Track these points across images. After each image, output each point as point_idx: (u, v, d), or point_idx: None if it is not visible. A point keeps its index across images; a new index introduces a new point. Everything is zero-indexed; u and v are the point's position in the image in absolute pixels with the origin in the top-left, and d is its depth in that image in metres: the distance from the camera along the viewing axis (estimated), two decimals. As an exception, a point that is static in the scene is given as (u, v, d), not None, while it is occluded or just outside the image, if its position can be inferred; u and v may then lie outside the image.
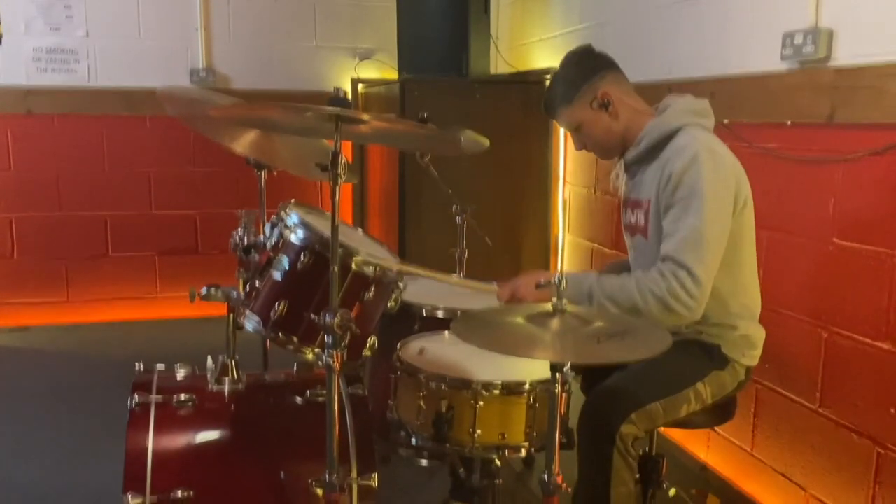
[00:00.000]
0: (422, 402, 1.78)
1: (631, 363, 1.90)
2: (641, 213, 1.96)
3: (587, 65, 1.96)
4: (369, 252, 1.84)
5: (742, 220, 1.88)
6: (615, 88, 1.94)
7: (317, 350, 1.78)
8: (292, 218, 1.83)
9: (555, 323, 1.56)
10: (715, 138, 1.90)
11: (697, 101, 1.95)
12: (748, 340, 1.94)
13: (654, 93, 2.11)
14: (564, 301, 1.50)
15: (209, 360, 2.00)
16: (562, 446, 1.64)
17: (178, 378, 1.95)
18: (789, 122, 2.31)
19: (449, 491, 2.11)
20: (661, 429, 2.08)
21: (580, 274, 1.93)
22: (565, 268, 3.96)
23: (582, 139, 2.00)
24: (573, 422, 1.85)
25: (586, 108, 1.93)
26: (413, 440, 1.83)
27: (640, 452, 2.08)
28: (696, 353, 1.90)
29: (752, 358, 1.96)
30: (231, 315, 1.91)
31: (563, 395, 1.75)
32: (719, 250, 1.79)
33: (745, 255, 1.93)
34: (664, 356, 1.53)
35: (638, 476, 2.08)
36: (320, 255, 1.77)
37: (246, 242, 1.95)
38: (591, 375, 2.12)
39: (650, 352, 1.47)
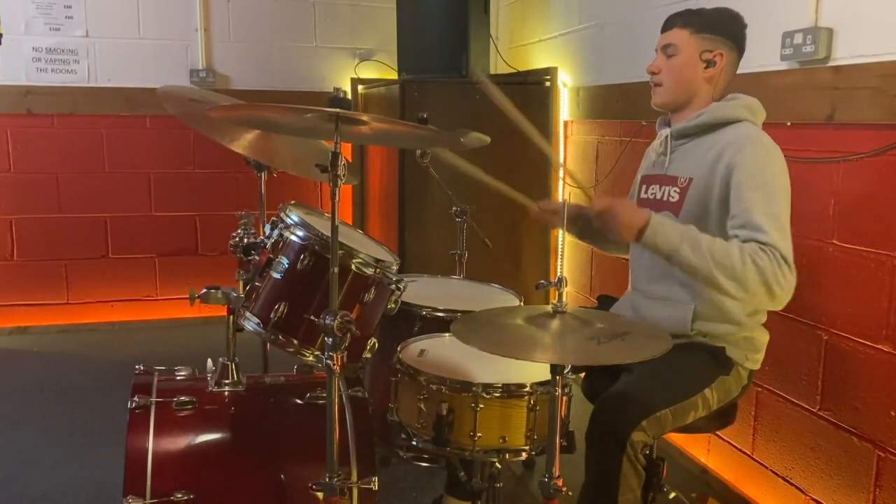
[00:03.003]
0: (422, 405, 1.78)
1: (633, 365, 1.91)
2: (676, 191, 1.93)
3: (736, 27, 1.94)
4: (369, 253, 1.84)
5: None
6: (729, 63, 1.94)
7: (317, 352, 1.78)
8: (292, 219, 1.83)
9: (555, 324, 1.56)
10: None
11: (761, 106, 1.95)
12: (752, 343, 1.94)
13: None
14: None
15: (209, 361, 2.00)
16: (562, 449, 1.63)
17: (178, 380, 1.94)
18: (789, 123, 2.31)
19: (444, 486, 2.11)
20: (665, 433, 2.08)
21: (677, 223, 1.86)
22: (565, 268, 3.96)
23: (665, 63, 1.96)
24: (574, 425, 1.84)
25: (697, 47, 1.92)
26: (414, 443, 1.83)
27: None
28: (703, 357, 1.89)
29: (755, 362, 1.96)
30: (231, 317, 1.91)
31: (564, 397, 1.75)
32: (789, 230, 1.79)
33: None
34: (671, 360, 1.53)
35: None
36: (320, 256, 1.77)
37: (246, 243, 1.95)
38: (593, 377, 2.12)
39: (651, 353, 1.46)
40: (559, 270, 1.77)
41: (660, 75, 1.97)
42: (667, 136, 2.00)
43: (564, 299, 1.59)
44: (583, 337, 1.51)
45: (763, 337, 1.97)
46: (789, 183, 1.82)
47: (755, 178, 1.78)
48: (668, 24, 1.97)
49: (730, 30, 1.93)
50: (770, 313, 2.00)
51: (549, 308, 1.59)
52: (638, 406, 1.81)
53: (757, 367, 1.96)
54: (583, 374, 2.18)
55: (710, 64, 1.92)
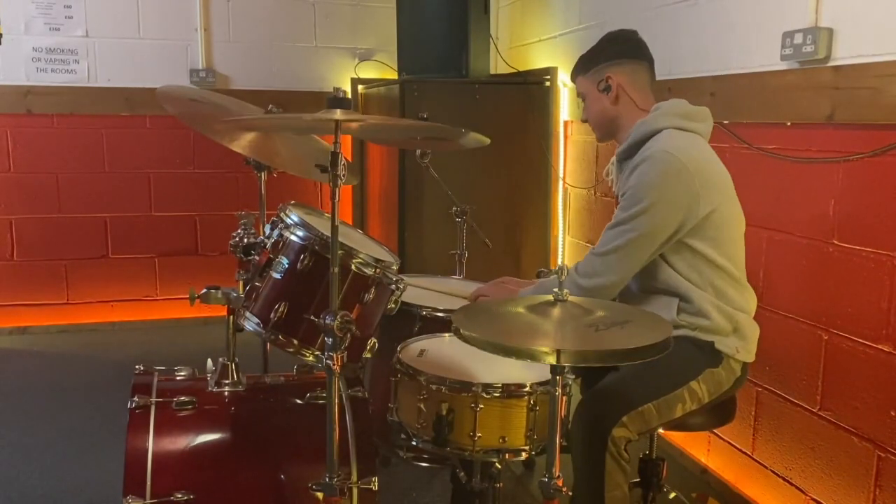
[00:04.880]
0: (422, 405, 1.78)
1: (626, 364, 1.91)
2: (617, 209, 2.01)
3: (612, 47, 2.05)
4: (369, 253, 1.84)
5: (724, 218, 1.90)
6: (625, 79, 2.01)
7: (317, 352, 1.78)
8: (292, 219, 1.83)
9: (556, 312, 1.56)
10: (696, 144, 1.92)
11: (689, 105, 1.98)
12: (741, 335, 1.93)
13: (654, 93, 2.11)
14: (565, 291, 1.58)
15: (209, 361, 2.00)
16: (562, 449, 1.63)
17: (178, 380, 1.95)
18: (789, 123, 2.31)
19: (450, 499, 2.11)
20: (661, 432, 2.08)
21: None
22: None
23: (585, 109, 2.11)
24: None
25: (593, 84, 2.04)
26: (414, 443, 1.83)
27: (640, 455, 2.08)
28: (690, 351, 1.89)
29: (748, 353, 1.95)
30: (231, 317, 1.91)
31: (564, 397, 1.75)
32: (636, 253, 1.87)
33: (736, 250, 1.95)
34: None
35: (638, 479, 2.08)
36: (320, 256, 1.77)
37: (246, 243, 1.95)
38: (592, 378, 2.12)
39: (650, 340, 1.46)
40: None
41: (588, 121, 2.12)
42: (613, 161, 2.11)
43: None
44: (582, 324, 1.52)
45: (752, 327, 1.97)
46: (687, 182, 1.83)
47: (632, 192, 1.88)
48: (572, 78, 2.14)
49: (607, 52, 2.04)
50: (770, 313, 2.00)
51: (550, 297, 1.59)
52: (619, 402, 1.82)
53: (751, 358, 1.96)
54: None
55: (607, 90, 2.01)
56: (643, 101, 2.01)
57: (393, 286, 1.89)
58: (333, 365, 1.56)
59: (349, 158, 4.20)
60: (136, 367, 1.98)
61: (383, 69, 4.57)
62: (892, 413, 2.01)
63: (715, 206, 1.87)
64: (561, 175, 3.86)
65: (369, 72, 4.59)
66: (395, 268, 1.92)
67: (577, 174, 3.76)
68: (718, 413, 1.98)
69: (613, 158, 2.09)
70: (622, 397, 1.83)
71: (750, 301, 1.98)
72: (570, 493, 1.59)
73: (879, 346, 2.04)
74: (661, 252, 1.89)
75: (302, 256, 1.78)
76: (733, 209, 1.95)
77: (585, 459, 1.81)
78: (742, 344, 1.93)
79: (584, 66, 2.07)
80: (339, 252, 1.60)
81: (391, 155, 3.82)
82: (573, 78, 2.13)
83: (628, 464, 1.81)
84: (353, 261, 1.79)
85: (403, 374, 1.85)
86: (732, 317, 1.91)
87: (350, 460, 1.75)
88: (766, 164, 2.39)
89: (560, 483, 1.53)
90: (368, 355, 1.90)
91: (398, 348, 1.98)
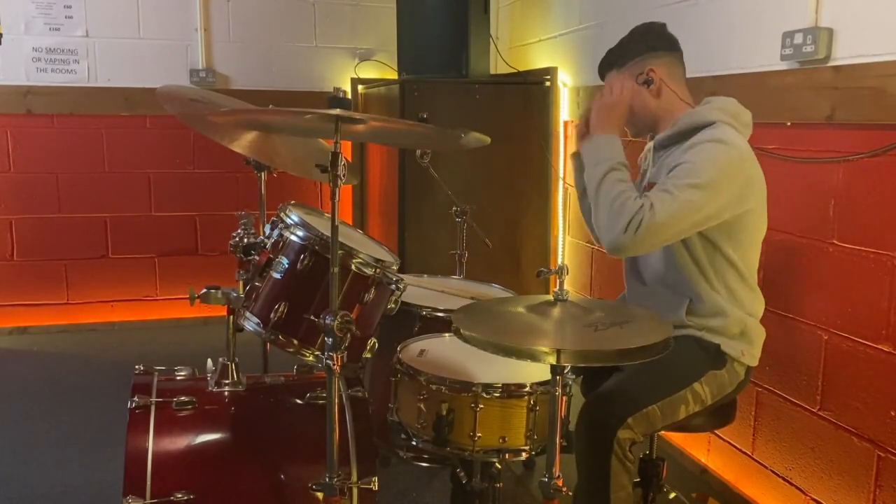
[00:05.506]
0: (422, 405, 1.78)
1: (628, 364, 1.91)
2: None
3: (648, 39, 2.00)
4: (369, 253, 1.84)
5: (753, 222, 1.89)
6: (665, 71, 1.97)
7: (317, 352, 1.78)
8: (292, 219, 1.83)
9: (556, 312, 1.56)
10: (745, 142, 1.89)
11: (739, 106, 1.95)
12: (748, 338, 1.93)
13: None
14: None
15: (209, 361, 2.00)
16: (562, 449, 1.63)
17: (178, 380, 1.94)
18: (789, 123, 2.31)
19: (450, 499, 2.11)
20: (662, 432, 2.08)
21: (615, 148, 1.90)
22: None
23: None
24: (574, 425, 1.84)
25: (631, 78, 1.98)
26: (414, 443, 1.83)
27: (640, 455, 2.07)
28: (694, 352, 1.89)
29: (752, 357, 1.95)
30: (231, 317, 1.91)
31: (564, 397, 1.75)
32: (684, 224, 1.77)
33: (755, 255, 1.94)
34: (661, 357, 1.53)
35: (638, 479, 2.08)
36: (320, 256, 1.77)
37: (246, 243, 1.95)
38: (592, 378, 2.12)
39: (649, 340, 1.46)
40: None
41: None
42: (649, 148, 2.04)
43: (566, 287, 1.60)
44: (582, 324, 1.52)
45: (759, 332, 1.97)
46: (737, 178, 1.81)
47: (684, 155, 1.81)
48: (601, 74, 2.06)
49: (645, 44, 1.98)
50: (770, 313, 2.00)
51: (550, 297, 1.59)
52: (624, 403, 1.81)
53: (754, 363, 1.96)
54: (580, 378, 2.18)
55: (648, 83, 1.97)
56: (684, 94, 1.99)
57: (393, 286, 1.89)
58: (333, 365, 1.56)
59: (349, 158, 4.20)
60: (136, 367, 1.98)
61: (383, 69, 4.57)
62: (892, 413, 2.01)
63: (750, 208, 1.86)
64: (561, 175, 3.86)
65: (369, 72, 4.59)
66: (395, 268, 1.92)
67: (577, 174, 3.76)
68: (719, 414, 1.98)
69: (650, 144, 2.04)
70: (626, 399, 1.82)
71: (759, 306, 1.97)
72: (571, 493, 1.59)
73: (879, 346, 2.04)
74: (684, 238, 1.85)
75: (302, 256, 1.78)
76: (762, 216, 1.93)
77: (590, 461, 1.80)
78: (748, 348, 1.93)
79: (618, 60, 2.00)
80: (339, 252, 1.60)
81: (391, 155, 3.82)
82: (603, 74, 2.05)
83: (633, 464, 1.81)
84: (353, 261, 1.79)
85: (403, 374, 1.85)
86: (742, 320, 1.91)
87: (350, 460, 1.75)
88: (766, 164, 2.37)
89: (560, 483, 1.53)
90: (368, 355, 1.90)
91: (398, 348, 1.98)
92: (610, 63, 2.02)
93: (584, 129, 1.99)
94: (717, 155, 1.79)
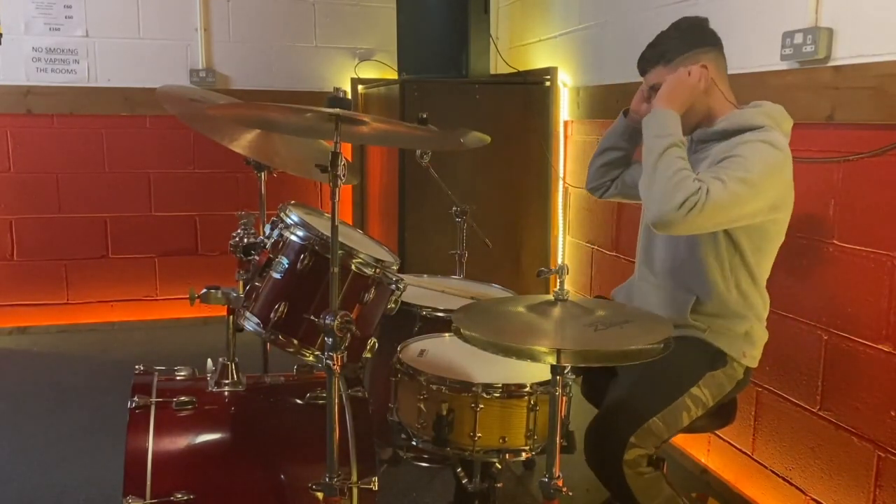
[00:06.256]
0: (422, 405, 1.78)
1: (622, 368, 1.90)
2: None
3: (698, 34, 1.93)
4: (369, 253, 1.84)
5: (776, 231, 1.89)
6: (714, 67, 1.91)
7: (317, 352, 1.78)
8: (292, 219, 1.83)
9: (556, 312, 1.56)
10: (790, 152, 1.86)
11: (785, 113, 1.91)
12: (750, 340, 1.93)
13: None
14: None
15: (209, 361, 2.00)
16: (562, 449, 1.64)
17: (178, 380, 1.94)
18: (789, 123, 2.31)
19: (450, 499, 2.11)
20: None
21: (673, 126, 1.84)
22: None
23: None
24: (574, 425, 1.84)
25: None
26: (414, 443, 1.83)
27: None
28: (692, 354, 1.88)
29: (752, 359, 1.95)
30: (231, 317, 1.91)
31: (564, 397, 1.75)
32: (727, 216, 1.74)
33: (770, 263, 1.94)
34: (658, 360, 1.53)
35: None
36: (320, 256, 1.77)
37: (246, 243, 1.95)
38: (592, 378, 2.12)
39: (649, 340, 1.46)
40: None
41: None
42: (689, 139, 1.97)
43: (566, 287, 1.60)
44: (582, 324, 1.52)
45: (762, 334, 1.97)
46: (780, 185, 1.80)
47: (735, 149, 1.77)
48: (643, 69, 1.98)
49: (694, 39, 1.92)
50: (770, 313, 1.99)
51: (550, 297, 1.59)
52: (623, 423, 1.81)
53: (754, 364, 1.96)
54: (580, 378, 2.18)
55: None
56: (729, 94, 1.94)
57: (393, 286, 1.89)
58: (333, 365, 1.56)
59: (349, 158, 4.20)
60: (136, 367, 1.98)
61: (383, 69, 4.57)
62: (892, 413, 2.01)
63: (779, 217, 1.86)
64: (561, 175, 3.86)
65: (369, 72, 4.59)
66: (395, 268, 1.92)
67: (577, 174, 3.76)
68: (719, 415, 1.98)
69: (688, 137, 1.96)
70: (625, 417, 1.82)
71: (765, 310, 1.98)
72: (571, 494, 1.59)
73: (879, 346, 2.04)
74: (713, 232, 1.83)
75: (302, 256, 1.78)
76: (784, 227, 1.91)
77: (612, 485, 1.82)
78: (749, 349, 1.93)
79: (664, 56, 1.92)
80: (339, 252, 1.60)
81: (391, 155, 3.82)
82: (646, 70, 1.97)
83: (655, 469, 1.81)
84: (353, 261, 1.79)
85: (403, 374, 1.85)
86: (748, 322, 1.91)
87: (350, 460, 1.75)
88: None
89: (560, 483, 1.53)
90: (368, 355, 1.90)
91: (398, 348, 1.98)
92: (655, 58, 1.94)
93: (648, 94, 1.95)
94: (767, 156, 1.76)
